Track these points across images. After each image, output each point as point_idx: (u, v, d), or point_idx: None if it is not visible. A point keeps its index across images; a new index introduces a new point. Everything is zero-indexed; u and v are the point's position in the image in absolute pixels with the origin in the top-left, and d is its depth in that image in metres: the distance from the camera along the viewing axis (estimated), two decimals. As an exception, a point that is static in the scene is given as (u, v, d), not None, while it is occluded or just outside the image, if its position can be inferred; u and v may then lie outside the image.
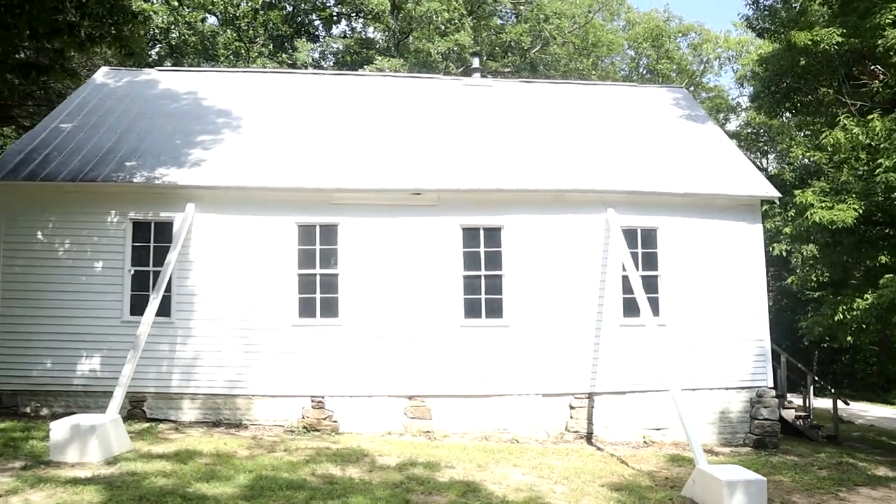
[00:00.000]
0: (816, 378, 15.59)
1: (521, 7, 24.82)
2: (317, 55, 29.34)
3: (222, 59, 24.11)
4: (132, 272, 12.50)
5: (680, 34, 32.25)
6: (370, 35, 26.96)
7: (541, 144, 14.36)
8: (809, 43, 13.89)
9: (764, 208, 15.25)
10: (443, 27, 22.38)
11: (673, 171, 13.67)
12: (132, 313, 12.43)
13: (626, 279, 12.99)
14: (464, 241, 12.91)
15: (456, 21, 22.31)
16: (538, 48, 24.98)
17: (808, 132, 17.83)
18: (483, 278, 12.90)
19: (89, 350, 12.35)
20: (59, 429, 8.36)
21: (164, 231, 12.69)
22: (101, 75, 16.04)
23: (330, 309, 12.66)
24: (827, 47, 13.78)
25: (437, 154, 13.73)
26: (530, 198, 12.96)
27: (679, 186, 13.17)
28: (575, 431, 12.71)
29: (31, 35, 9.50)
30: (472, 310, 12.83)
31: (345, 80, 17.64)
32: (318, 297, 12.66)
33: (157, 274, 12.57)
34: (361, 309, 12.61)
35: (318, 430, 12.23)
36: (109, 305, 12.42)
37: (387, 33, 25.60)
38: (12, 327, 12.31)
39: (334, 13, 26.29)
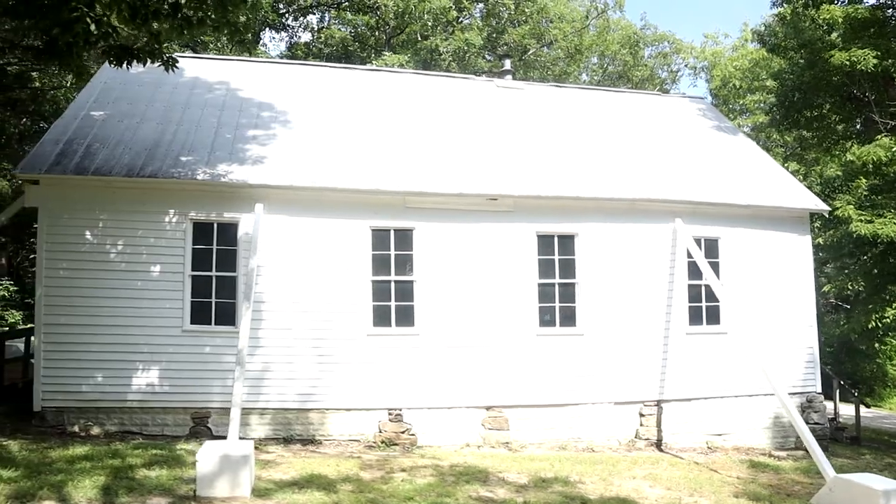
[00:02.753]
0: (842, 382, 16.47)
1: (526, 9, 24.79)
2: (283, 47, 28.15)
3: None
4: (192, 277, 11.54)
5: (656, 42, 33.28)
6: (352, 29, 26.04)
7: (604, 152, 14.38)
8: (847, 63, 14.57)
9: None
10: (452, 26, 21.98)
11: (730, 183, 14.03)
12: (193, 322, 11.49)
13: (691, 287, 13.26)
14: (538, 248, 12.73)
15: (460, 20, 22.00)
16: (532, 51, 25.02)
17: (819, 148, 18.76)
18: (557, 286, 12.77)
19: (146, 362, 11.29)
20: (206, 460, 7.54)
21: (228, 233, 11.79)
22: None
23: (405, 317, 12.17)
24: (863, 67, 14.51)
25: (511, 159, 13.46)
26: (603, 206, 12.95)
27: (741, 198, 13.53)
28: (646, 439, 12.83)
29: (132, 17, 8.49)
30: (546, 318, 12.68)
31: (375, 76, 16.96)
32: (394, 305, 12.13)
33: (219, 280, 11.73)
34: (438, 317, 12.19)
35: (396, 445, 11.73)
36: (168, 313, 11.40)
37: (379, 29, 24.82)
38: (57, 337, 11.08)
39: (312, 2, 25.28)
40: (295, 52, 15.64)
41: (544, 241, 12.79)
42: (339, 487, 8.46)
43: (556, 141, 14.54)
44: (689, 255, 13.08)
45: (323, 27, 24.59)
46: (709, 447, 13.03)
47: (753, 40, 25.18)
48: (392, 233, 12.24)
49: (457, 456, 11.16)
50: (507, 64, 17.61)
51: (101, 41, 8.94)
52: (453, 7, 22.23)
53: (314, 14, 25.62)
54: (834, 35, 15.76)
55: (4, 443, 9.68)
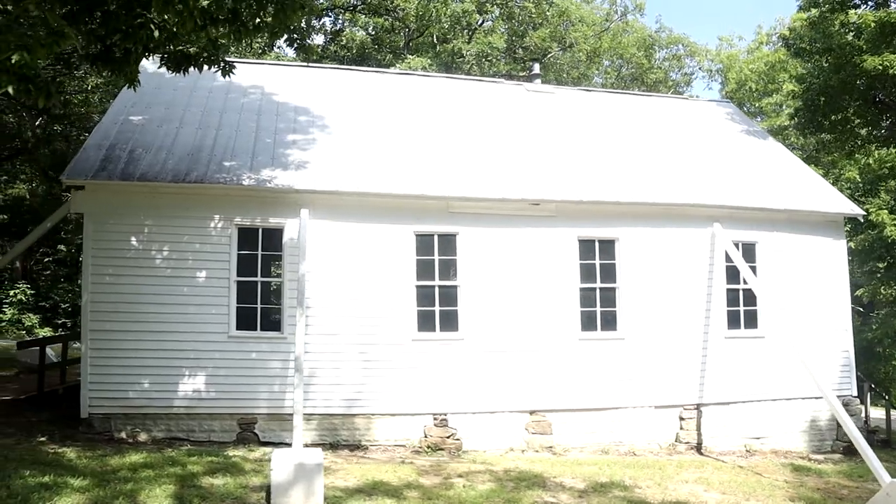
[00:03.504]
0: (873, 386, 16.58)
1: (547, 11, 24.82)
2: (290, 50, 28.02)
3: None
4: (237, 283, 11.50)
5: (670, 45, 33.40)
6: (370, 33, 25.94)
7: (640, 156, 14.43)
8: (879, 67, 14.67)
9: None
10: (474, 29, 21.96)
11: (766, 187, 14.10)
12: (238, 327, 11.46)
13: (729, 291, 13.32)
14: (580, 252, 12.76)
15: (482, 23, 22.00)
16: (551, 54, 25.07)
17: (841, 151, 18.87)
18: (598, 290, 12.80)
19: (192, 368, 11.25)
20: (281, 468, 7.51)
21: (272, 238, 11.77)
22: (149, 63, 14.59)
23: (449, 322, 12.17)
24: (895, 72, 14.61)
25: (551, 164, 13.49)
26: (643, 211, 12.99)
27: (778, 202, 13.60)
28: (686, 442, 12.87)
29: (202, 24, 8.45)
30: (588, 322, 12.72)
31: (405, 80, 16.94)
32: (438, 309, 12.13)
33: (264, 285, 11.72)
34: (481, 322, 12.20)
35: (442, 450, 11.73)
36: (214, 319, 11.36)
37: (394, 31, 24.77)
38: (103, 343, 11.02)
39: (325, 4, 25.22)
40: (308, 55, 15.63)
41: (585, 246, 12.82)
42: (406, 494, 8.46)
43: (592, 145, 14.57)
44: (728, 259, 13.13)
45: (338, 30, 24.55)
46: (747, 450, 13.08)
47: (768, 43, 25.29)
48: (436, 237, 12.25)
49: (505, 461, 11.17)
50: (536, 68, 17.65)
51: (161, 47, 8.91)
52: (475, 10, 22.24)
53: (328, 17, 25.62)
54: (861, 40, 15.81)
55: (59, 450, 9.62)
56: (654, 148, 14.98)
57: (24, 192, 24.19)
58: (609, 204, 12.77)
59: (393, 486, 8.72)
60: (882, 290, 16.45)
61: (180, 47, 9.05)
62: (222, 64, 9.40)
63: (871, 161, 14.94)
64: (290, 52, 21.90)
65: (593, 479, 9.86)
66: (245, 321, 11.57)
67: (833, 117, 18.06)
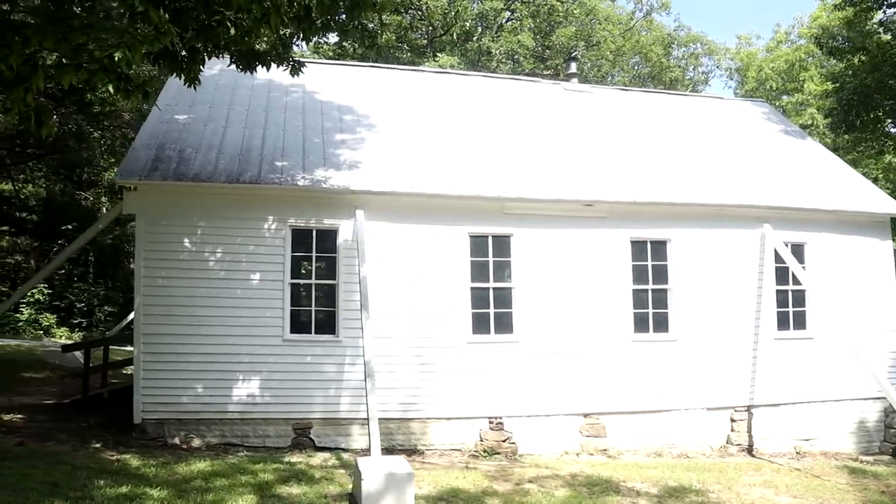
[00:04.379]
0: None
1: (575, 10, 24.67)
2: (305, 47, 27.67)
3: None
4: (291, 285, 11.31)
5: (689, 43, 33.34)
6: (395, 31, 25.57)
7: (686, 156, 14.33)
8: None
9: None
10: (502, 27, 21.76)
11: (813, 188, 14.03)
12: (292, 331, 11.27)
13: (779, 293, 13.25)
14: (632, 254, 12.64)
15: (509, 21, 21.82)
16: (575, 52, 24.89)
17: (872, 150, 18.87)
18: (650, 292, 12.69)
19: (246, 372, 11.07)
20: (372, 478, 7.34)
21: (327, 239, 11.59)
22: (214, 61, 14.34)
23: (503, 325, 12.03)
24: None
25: (602, 164, 13.37)
26: (695, 212, 12.88)
27: (826, 203, 13.53)
28: (737, 444, 12.79)
29: (295, 23, 8.26)
30: (640, 324, 12.61)
31: (444, 79, 16.76)
32: (492, 311, 11.99)
33: (318, 287, 11.53)
34: (535, 324, 12.06)
35: (498, 453, 11.59)
36: (268, 322, 11.17)
37: (412, 29, 24.52)
38: (157, 347, 10.81)
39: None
40: (378, 54, 15.49)
41: (637, 247, 12.70)
42: (487, 502, 8.32)
43: (638, 145, 14.46)
44: (777, 260, 13.06)
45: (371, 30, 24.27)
46: (797, 452, 13.01)
47: (786, 41, 25.08)
48: (490, 239, 12.10)
49: (566, 464, 11.04)
50: (573, 67, 17.48)
51: (233, 46, 8.70)
52: (504, 8, 22.06)
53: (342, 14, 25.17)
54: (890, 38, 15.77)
55: (121, 457, 9.40)
56: (698, 148, 14.89)
57: (43, 192, 23.84)
58: (662, 205, 12.66)
59: (472, 493, 8.57)
60: None
61: (252, 45, 8.81)
62: (292, 62, 9.17)
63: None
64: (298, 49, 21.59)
65: (663, 484, 9.74)
66: (299, 324, 11.41)
67: (864, 117, 18.02)
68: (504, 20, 22.12)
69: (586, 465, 11.09)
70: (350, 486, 8.43)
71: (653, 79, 31.40)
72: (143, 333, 10.82)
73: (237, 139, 12.21)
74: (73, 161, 20.20)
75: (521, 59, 22.78)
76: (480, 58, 22.41)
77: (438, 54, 21.64)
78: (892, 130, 18.20)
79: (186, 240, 11.08)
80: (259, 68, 9.50)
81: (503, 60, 22.27)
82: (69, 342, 21.36)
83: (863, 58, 17.08)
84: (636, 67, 32.47)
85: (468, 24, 22.39)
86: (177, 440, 10.82)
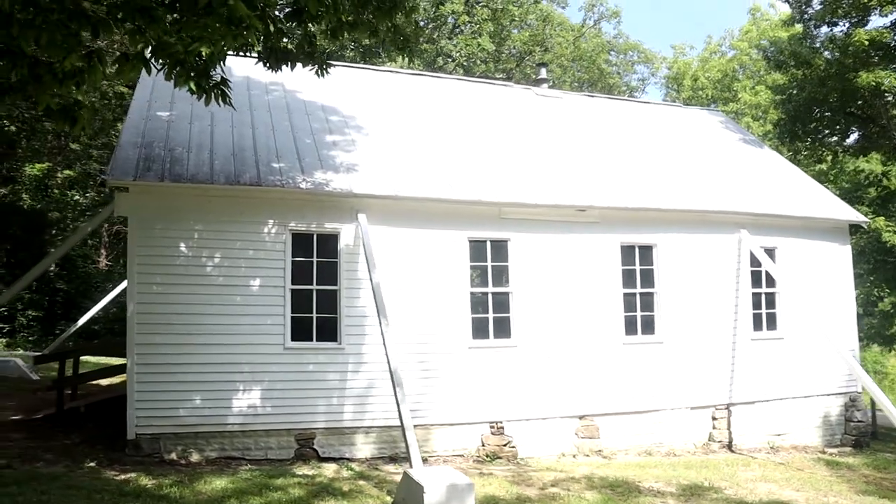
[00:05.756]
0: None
1: (531, 15, 24.86)
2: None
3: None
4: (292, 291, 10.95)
5: (627, 51, 34.32)
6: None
7: (667, 163, 14.78)
8: (873, 84, 15.66)
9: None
10: (456, 27, 21.71)
11: (781, 195, 14.77)
12: (294, 338, 10.91)
13: (755, 296, 13.88)
14: (622, 258, 12.94)
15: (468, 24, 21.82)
16: (526, 58, 25.17)
17: (809, 159, 20.06)
18: (638, 295, 13.03)
19: (247, 382, 10.63)
20: (434, 490, 7.18)
21: (328, 244, 11.27)
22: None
23: (501, 329, 12.06)
24: (887, 88, 15.66)
25: (594, 171, 13.61)
26: (679, 217, 13.31)
27: (796, 210, 14.29)
28: (718, 441, 13.31)
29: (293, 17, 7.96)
30: (629, 327, 12.92)
31: (418, 80, 16.62)
32: (491, 316, 12.00)
33: (320, 293, 11.19)
34: (532, 329, 12.16)
35: (500, 458, 11.62)
36: (269, 330, 10.77)
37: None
38: (151, 358, 10.21)
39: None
40: (412, 59, 15.19)
41: (626, 252, 13.01)
42: (530, 510, 8.33)
43: (620, 151, 14.84)
44: (752, 264, 13.69)
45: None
46: (771, 447, 13.68)
47: (717, 52, 26.12)
48: (488, 243, 12.10)
49: (572, 466, 11.22)
50: (543, 72, 17.74)
51: (268, 42, 8.34)
52: (464, 11, 22.07)
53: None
54: (848, 56, 16.82)
55: (124, 477, 8.84)
56: (674, 155, 15.41)
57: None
58: (650, 210, 13.02)
59: (509, 501, 8.55)
60: (875, 293, 17.71)
61: (282, 43, 8.45)
62: (320, 62, 8.87)
63: (851, 168, 15.98)
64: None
65: (676, 482, 10.05)
66: (300, 332, 11.04)
67: (806, 127, 19.14)
68: (464, 24, 22.20)
69: (588, 466, 11.29)
70: (388, 498, 8.26)
71: (591, 84, 32.33)
72: (136, 343, 10.18)
73: (226, 138, 11.72)
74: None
75: (478, 62, 22.90)
76: (436, 60, 22.39)
77: (384, 54, 21.34)
78: (831, 140, 19.42)
79: (183, 244, 10.52)
80: (319, 69, 9.18)
81: (463, 63, 22.33)
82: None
83: (806, 72, 18.12)
84: (577, 72, 33.32)
85: (422, 24, 22.30)
86: (174, 455, 10.26)
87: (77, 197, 24.30)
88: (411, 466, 8.38)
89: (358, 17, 8.64)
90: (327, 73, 9.03)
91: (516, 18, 23.93)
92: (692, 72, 32.39)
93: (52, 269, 25.45)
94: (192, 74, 6.19)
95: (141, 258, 10.31)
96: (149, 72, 6.52)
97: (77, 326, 17.32)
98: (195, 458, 10.32)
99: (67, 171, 25.47)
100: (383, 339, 9.84)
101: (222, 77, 7.14)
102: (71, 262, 25.80)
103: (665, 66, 35.06)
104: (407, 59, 13.75)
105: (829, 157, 19.77)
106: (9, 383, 15.15)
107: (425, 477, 7.48)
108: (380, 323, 9.97)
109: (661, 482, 10.09)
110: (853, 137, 18.83)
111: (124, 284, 17.85)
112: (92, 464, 9.50)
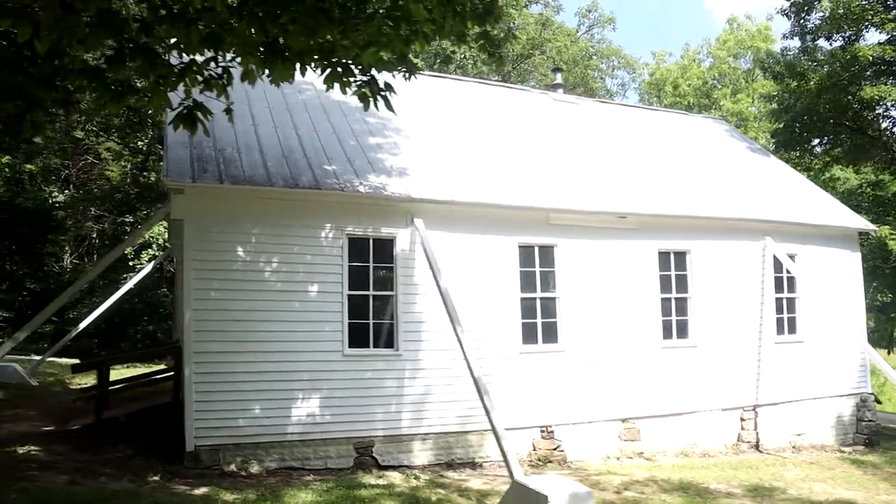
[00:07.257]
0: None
1: (530, 19, 24.88)
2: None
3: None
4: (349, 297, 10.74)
5: (610, 56, 34.83)
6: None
7: (694, 171, 15.10)
8: (877, 97, 16.36)
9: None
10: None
11: (800, 203, 15.27)
12: (351, 345, 10.71)
13: (778, 300, 14.31)
14: (659, 264, 13.16)
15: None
16: (520, 61, 25.27)
17: (801, 167, 20.83)
18: (674, 300, 13.27)
19: (306, 391, 10.38)
20: (558, 499, 7.17)
21: (383, 248, 11.10)
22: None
23: (549, 334, 12.11)
24: (893, 101, 16.38)
25: (632, 178, 13.78)
26: (711, 224, 13.61)
27: (814, 218, 14.80)
28: (747, 441, 13.68)
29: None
30: (666, 331, 13.15)
31: (438, 83, 16.50)
32: (540, 321, 12.03)
33: (376, 299, 11.00)
34: (578, 333, 12.25)
35: (551, 461, 11.67)
36: (328, 336, 10.54)
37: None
38: (210, 367, 9.86)
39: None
40: (500, 64, 14.84)
41: (663, 258, 13.24)
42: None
43: (649, 159, 15.08)
44: (776, 270, 14.11)
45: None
46: (793, 447, 14.13)
47: (694, 60, 26.72)
48: (536, 249, 12.13)
49: (624, 469, 11.36)
50: (559, 77, 17.87)
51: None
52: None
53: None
54: (849, 70, 17.53)
55: (201, 492, 8.52)
56: (696, 162, 15.76)
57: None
58: (685, 218, 13.28)
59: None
60: (879, 298, 18.53)
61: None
62: (409, 67, 8.69)
63: (847, 176, 16.70)
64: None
65: (738, 483, 10.30)
66: (356, 338, 10.83)
67: (800, 136, 19.85)
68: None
69: (638, 468, 11.44)
70: (490, 507, 8.19)
71: (574, 89, 32.70)
72: (194, 352, 9.81)
73: (272, 139, 11.42)
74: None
75: (478, 63, 22.93)
76: (437, 61, 22.33)
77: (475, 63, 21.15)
78: (819, 150, 20.23)
79: (240, 248, 10.20)
80: (407, 72, 8.90)
81: (461, 65, 22.32)
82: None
83: (801, 83, 18.79)
84: (566, 76, 33.62)
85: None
86: (233, 467, 9.94)
87: (56, 193, 23.24)
88: (511, 476, 8.32)
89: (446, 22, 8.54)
90: (415, 77, 8.87)
91: (514, 20, 24.13)
92: (672, 78, 33.27)
93: (17, 268, 24.36)
94: (355, 80, 5.97)
95: (197, 263, 9.94)
96: (303, 73, 6.29)
97: (78, 330, 16.57)
98: (255, 469, 10.02)
99: (29, 166, 24.35)
100: (461, 346, 9.73)
101: (386, 82, 6.91)
102: (38, 259, 24.75)
103: (647, 73, 35.94)
104: (494, 65, 13.59)
105: (817, 166, 20.62)
106: (13, 390, 14.40)
107: (545, 486, 7.44)
108: (455, 330, 9.84)
109: (723, 483, 10.31)
110: (839, 149, 19.69)
111: (125, 287, 17.36)
112: (156, 477, 9.11)
